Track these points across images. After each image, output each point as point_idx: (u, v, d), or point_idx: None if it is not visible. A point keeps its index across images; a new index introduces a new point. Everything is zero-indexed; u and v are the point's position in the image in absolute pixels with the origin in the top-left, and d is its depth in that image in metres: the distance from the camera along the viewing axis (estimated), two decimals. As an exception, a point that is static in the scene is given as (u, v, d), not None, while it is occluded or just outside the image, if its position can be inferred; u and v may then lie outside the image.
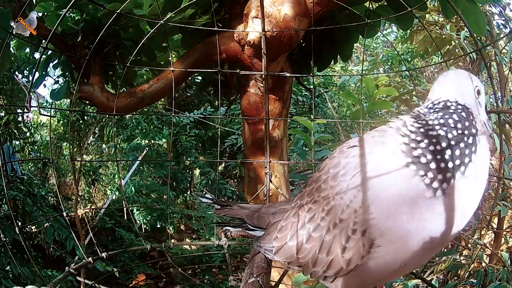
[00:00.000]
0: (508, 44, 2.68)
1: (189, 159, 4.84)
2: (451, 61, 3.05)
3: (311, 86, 3.40)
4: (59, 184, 4.53)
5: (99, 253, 1.37)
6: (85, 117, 3.67)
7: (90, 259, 1.30)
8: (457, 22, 3.01)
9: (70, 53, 1.65)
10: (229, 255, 1.48)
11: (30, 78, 2.63)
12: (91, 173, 4.55)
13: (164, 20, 1.32)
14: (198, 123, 4.94)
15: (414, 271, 1.46)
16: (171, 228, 4.36)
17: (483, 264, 1.99)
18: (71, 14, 1.85)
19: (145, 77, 3.24)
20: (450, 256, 2.26)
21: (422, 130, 0.71)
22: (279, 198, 1.67)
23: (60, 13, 1.58)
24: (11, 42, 1.83)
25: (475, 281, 2.07)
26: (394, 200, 0.68)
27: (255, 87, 1.72)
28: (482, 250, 2.07)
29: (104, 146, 4.86)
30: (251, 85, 1.72)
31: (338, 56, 1.89)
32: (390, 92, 2.03)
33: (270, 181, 1.46)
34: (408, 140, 0.70)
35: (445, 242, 0.70)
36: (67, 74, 1.84)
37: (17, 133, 3.44)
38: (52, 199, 4.05)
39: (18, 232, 1.17)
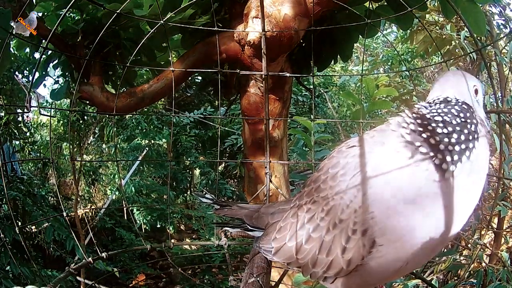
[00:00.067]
0: (508, 44, 2.68)
1: (189, 159, 4.84)
2: (451, 61, 3.05)
3: (311, 86, 3.40)
4: (59, 184, 4.53)
5: (99, 253, 1.37)
6: (85, 117, 3.67)
7: (90, 259, 1.30)
8: (457, 22, 3.01)
9: (70, 53, 1.65)
10: (229, 255, 1.48)
11: (30, 78, 2.63)
12: (91, 173, 4.55)
13: (164, 20, 1.32)
14: (198, 123, 4.94)
15: (414, 271, 1.45)
16: (171, 228, 4.36)
17: (483, 264, 1.99)
18: (71, 14, 1.85)
19: (145, 77, 3.24)
20: (450, 256, 2.26)
21: (428, 116, 0.72)
22: (279, 198, 1.67)
23: (60, 13, 1.58)
24: (11, 42, 1.83)
25: (475, 281, 2.07)
26: (398, 196, 0.68)
27: (255, 87, 1.72)
28: (482, 250, 2.07)
29: (104, 146, 4.86)
30: (251, 85, 1.72)
31: (338, 56, 1.89)
32: (390, 92, 2.03)
33: (270, 181, 1.46)
34: (414, 127, 0.71)
35: (449, 235, 0.70)
36: (67, 74, 1.84)
37: (17, 133, 3.44)
38: (52, 199, 4.05)
39: (18, 232, 1.16)
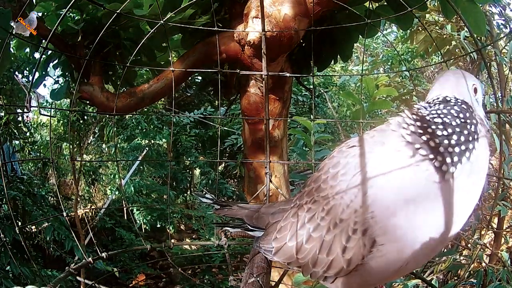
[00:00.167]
0: (508, 44, 2.67)
1: (189, 159, 4.84)
2: (451, 61, 3.05)
3: (311, 86, 3.40)
4: (59, 184, 4.53)
5: (99, 253, 1.37)
6: (85, 117, 3.67)
7: (90, 259, 1.30)
8: (457, 22, 3.01)
9: (70, 53, 1.65)
10: (229, 255, 1.48)
11: (30, 78, 2.63)
12: (91, 173, 4.55)
13: (164, 20, 1.32)
14: (198, 123, 4.95)
15: (414, 271, 1.45)
16: (171, 228, 4.36)
17: (483, 264, 1.99)
18: (71, 14, 1.85)
19: (145, 77, 3.24)
20: (450, 256, 2.26)
21: (427, 118, 0.72)
22: (279, 198, 1.67)
23: (60, 13, 1.58)
24: (11, 42, 1.83)
25: (475, 281, 2.07)
26: (399, 195, 0.68)
27: (255, 87, 1.72)
28: (482, 250, 2.07)
29: (104, 146, 4.86)
30: (251, 85, 1.73)
31: (338, 56, 1.89)
32: (390, 92, 2.03)
33: (270, 181, 1.46)
34: (414, 129, 0.71)
35: (449, 235, 0.70)
36: (67, 74, 1.84)
37: (17, 133, 3.44)
38: (52, 199, 4.05)
39: (18, 232, 1.16)
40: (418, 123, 0.72)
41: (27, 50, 2.06)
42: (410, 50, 4.75)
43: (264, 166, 1.50)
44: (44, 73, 1.82)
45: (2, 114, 3.01)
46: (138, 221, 4.14)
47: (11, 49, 1.91)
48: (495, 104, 1.20)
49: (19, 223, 2.81)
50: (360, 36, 1.81)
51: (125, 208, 4.20)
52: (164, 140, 4.71)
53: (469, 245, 2.35)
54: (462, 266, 2.30)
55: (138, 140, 4.76)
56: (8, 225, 2.71)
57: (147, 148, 4.64)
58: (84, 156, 4.29)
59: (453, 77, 0.80)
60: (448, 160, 0.68)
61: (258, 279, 0.98)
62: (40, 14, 1.65)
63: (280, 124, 1.78)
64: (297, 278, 1.52)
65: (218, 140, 1.71)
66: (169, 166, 2.41)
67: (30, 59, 3.01)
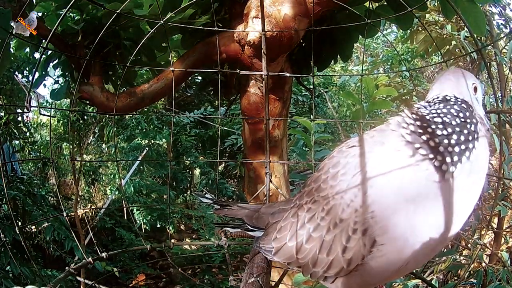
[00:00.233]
0: (508, 44, 2.67)
1: (189, 159, 4.84)
2: (451, 61, 3.05)
3: (311, 86, 3.40)
4: (59, 184, 4.53)
5: (99, 253, 1.37)
6: (85, 117, 3.67)
7: (90, 259, 1.30)
8: (457, 22, 3.01)
9: (70, 53, 1.65)
10: (229, 255, 1.48)
11: (30, 78, 2.63)
12: (91, 173, 4.56)
13: (164, 20, 1.32)
14: (198, 123, 4.95)
15: (414, 271, 1.45)
16: (171, 228, 4.36)
17: (483, 264, 1.99)
18: (71, 14, 1.85)
19: (145, 77, 3.24)
20: (450, 256, 2.26)
21: (427, 117, 0.72)
22: (279, 198, 1.67)
23: (60, 13, 1.58)
24: (11, 42, 1.83)
25: (475, 281, 2.07)
26: (399, 195, 0.68)
27: (255, 87, 1.72)
28: (482, 250, 2.07)
29: (104, 146, 4.86)
30: (251, 85, 1.73)
31: (338, 56, 1.89)
32: (390, 92, 2.03)
33: (270, 181, 1.46)
34: (414, 128, 0.71)
35: (449, 234, 0.70)
36: (67, 74, 1.84)
37: (17, 133, 3.44)
38: (52, 199, 4.05)
39: (18, 232, 1.16)
40: (418, 123, 0.72)
41: (27, 50, 2.06)
42: (410, 50, 4.75)
43: (264, 166, 1.50)
44: (44, 73, 1.82)
45: (2, 114, 3.01)
46: (138, 221, 4.14)
47: (11, 49, 1.90)
48: (495, 104, 1.20)
49: (19, 223, 2.81)
50: (360, 36, 1.81)
51: (125, 208, 4.20)
52: (164, 140, 4.71)
53: (469, 245, 2.35)
54: (462, 266, 2.30)
55: (138, 140, 4.76)
56: (8, 225, 2.71)
57: (147, 148, 4.64)
58: (84, 156, 4.29)
59: (453, 76, 0.80)
60: (448, 159, 0.68)
61: (258, 279, 0.98)
62: (40, 14, 1.65)
63: (280, 124, 1.78)
64: (297, 278, 1.52)
65: (218, 140, 1.71)
66: (169, 166, 2.41)
67: (30, 59, 3.01)
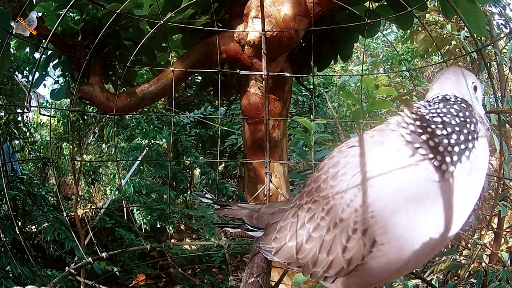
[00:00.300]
0: (508, 44, 2.67)
1: (189, 159, 4.84)
2: (451, 61, 3.05)
3: (311, 86, 3.40)
4: (59, 184, 4.53)
5: (99, 253, 1.37)
6: (85, 117, 3.67)
7: (90, 259, 1.30)
8: (457, 22, 3.01)
9: (70, 53, 1.65)
10: (229, 255, 1.48)
11: (30, 78, 2.63)
12: (91, 173, 4.55)
13: (164, 20, 1.32)
14: (198, 123, 4.95)
15: (414, 271, 1.45)
16: (171, 228, 4.36)
17: (483, 264, 1.99)
18: (71, 14, 1.85)
19: (145, 77, 3.24)
20: (450, 256, 2.26)
21: (427, 117, 0.72)
22: (279, 198, 1.67)
23: (60, 13, 1.58)
24: (11, 42, 1.83)
25: (475, 281, 2.06)
26: (398, 195, 0.68)
27: (255, 87, 1.72)
28: (482, 250, 2.07)
29: (104, 146, 4.86)
30: (251, 85, 1.73)
31: (338, 56, 1.89)
32: (390, 92, 2.04)
33: (270, 181, 1.46)
34: (413, 128, 0.71)
35: (449, 234, 0.70)
36: (67, 74, 1.84)
37: (17, 133, 3.43)
38: (52, 199, 4.05)
39: (18, 232, 1.16)
40: (418, 122, 0.72)
41: (27, 50, 2.06)
42: (410, 50, 4.75)
43: (264, 166, 1.50)
44: (44, 73, 1.82)
45: (2, 114, 3.01)
46: (138, 221, 4.14)
47: (11, 49, 1.91)
48: (495, 104, 1.20)
49: (19, 223, 2.81)
50: (360, 36, 1.81)
51: (125, 208, 4.20)
52: (164, 140, 4.71)
53: (469, 245, 2.35)
54: (462, 266, 2.30)
55: (138, 140, 4.76)
56: (8, 225, 2.71)
57: (147, 148, 4.64)
58: (84, 156, 4.29)
59: (452, 75, 0.80)
60: (448, 159, 0.68)
61: (258, 279, 0.98)
62: (40, 14, 1.65)
63: (280, 124, 1.78)
64: (297, 278, 1.52)
65: (218, 140, 1.71)
66: (169, 166, 2.41)
67: (30, 59, 3.01)
